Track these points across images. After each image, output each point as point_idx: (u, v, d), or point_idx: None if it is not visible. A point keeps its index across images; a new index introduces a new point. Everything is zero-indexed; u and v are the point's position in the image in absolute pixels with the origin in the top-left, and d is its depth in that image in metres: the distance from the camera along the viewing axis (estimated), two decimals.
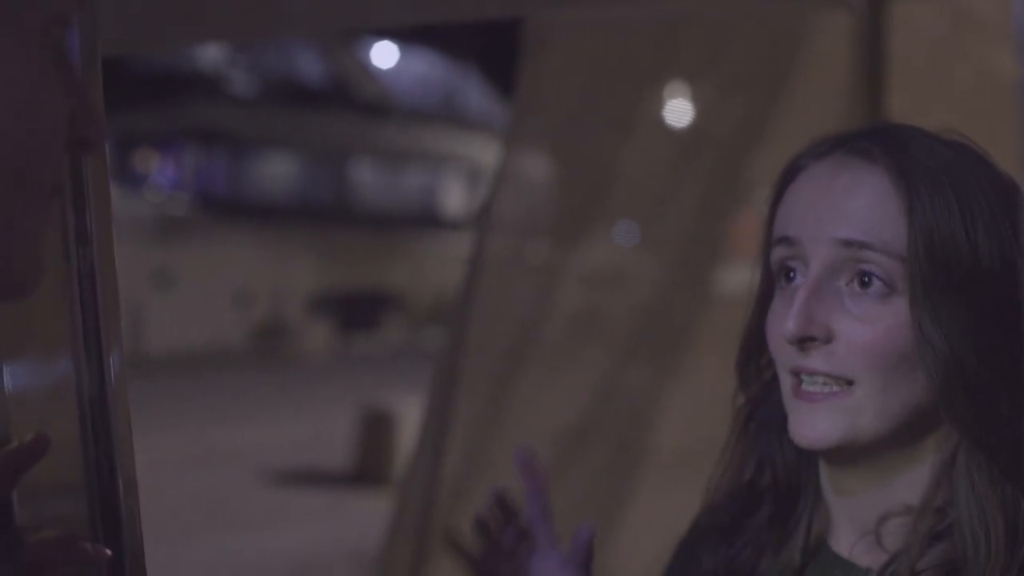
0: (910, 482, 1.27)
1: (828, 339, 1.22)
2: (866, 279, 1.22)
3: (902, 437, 1.25)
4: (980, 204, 1.22)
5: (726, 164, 4.11)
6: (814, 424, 1.24)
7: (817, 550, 1.34)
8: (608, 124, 3.98)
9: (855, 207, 1.23)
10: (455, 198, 30.50)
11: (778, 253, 1.29)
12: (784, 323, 1.23)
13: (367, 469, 10.57)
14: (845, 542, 1.31)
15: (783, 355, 1.27)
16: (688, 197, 4.15)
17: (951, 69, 2.98)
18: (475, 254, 3.71)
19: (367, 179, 28.80)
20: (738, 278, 4.32)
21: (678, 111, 4.15)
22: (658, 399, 4.30)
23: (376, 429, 10.57)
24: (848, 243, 1.22)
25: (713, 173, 4.15)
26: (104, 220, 1.12)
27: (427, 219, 29.27)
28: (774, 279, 1.31)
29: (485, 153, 27.98)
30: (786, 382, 1.27)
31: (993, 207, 1.22)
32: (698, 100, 4.17)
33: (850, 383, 1.22)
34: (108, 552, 1.07)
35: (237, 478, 10.85)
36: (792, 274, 1.27)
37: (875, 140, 1.26)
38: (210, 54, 25.35)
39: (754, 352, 1.37)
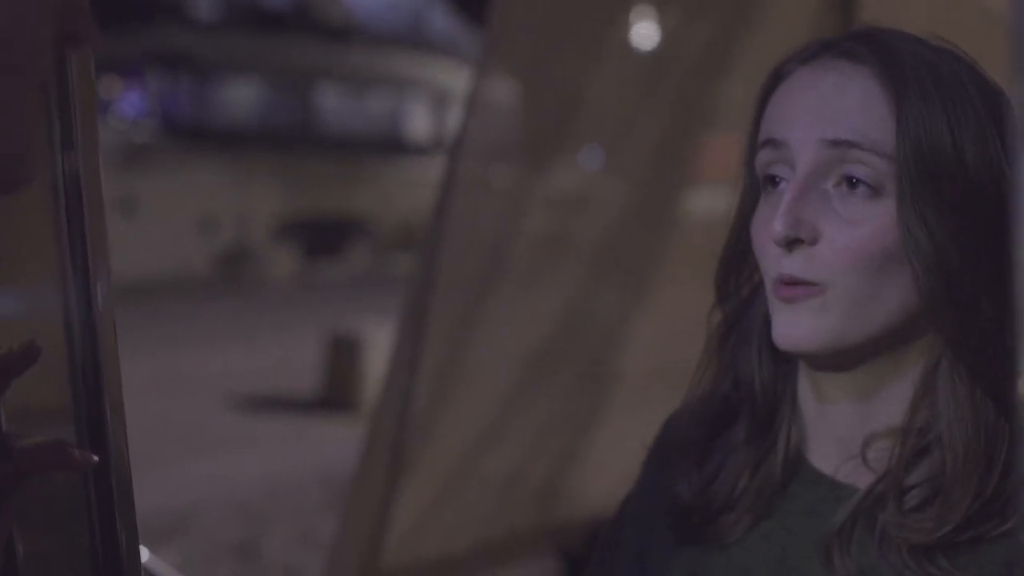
0: (893, 396, 1.28)
1: (814, 240, 1.23)
2: (853, 180, 1.23)
3: (885, 343, 1.26)
4: (967, 109, 1.23)
5: (693, 88, 4.12)
6: (795, 325, 1.25)
7: (797, 466, 1.35)
8: (577, 49, 3.98)
9: (842, 107, 1.24)
10: (421, 123, 30.29)
11: (763, 157, 1.29)
12: (771, 225, 1.24)
13: (334, 395, 10.56)
14: (828, 461, 1.33)
15: (768, 261, 1.27)
16: (655, 121, 4.16)
17: None
18: (446, 180, 3.71)
19: (332, 104, 28.56)
20: (704, 201, 4.34)
21: (646, 36, 4.15)
22: (625, 321, 4.33)
23: (343, 355, 10.55)
24: (836, 143, 1.23)
25: (680, 97, 4.15)
26: (90, 123, 1.08)
27: (393, 144, 29.06)
28: (758, 188, 1.32)
29: (451, 78, 27.80)
30: (771, 288, 1.28)
31: (980, 113, 1.23)
32: (665, 24, 4.16)
33: (824, 286, 1.23)
34: (95, 458, 1.08)
35: (204, 404, 10.83)
36: (778, 179, 1.28)
37: (863, 42, 1.27)
38: None
39: (735, 265, 1.38)
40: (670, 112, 4.16)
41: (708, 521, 1.39)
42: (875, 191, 1.22)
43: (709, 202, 4.25)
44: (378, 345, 9.72)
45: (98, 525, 1.12)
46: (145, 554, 2.01)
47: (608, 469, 4.23)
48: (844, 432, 1.31)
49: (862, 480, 1.29)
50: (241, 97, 26.80)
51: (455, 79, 27.42)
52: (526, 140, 4.06)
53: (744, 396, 1.39)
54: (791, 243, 1.23)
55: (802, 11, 3.85)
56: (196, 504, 7.59)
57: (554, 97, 4.02)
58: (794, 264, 1.24)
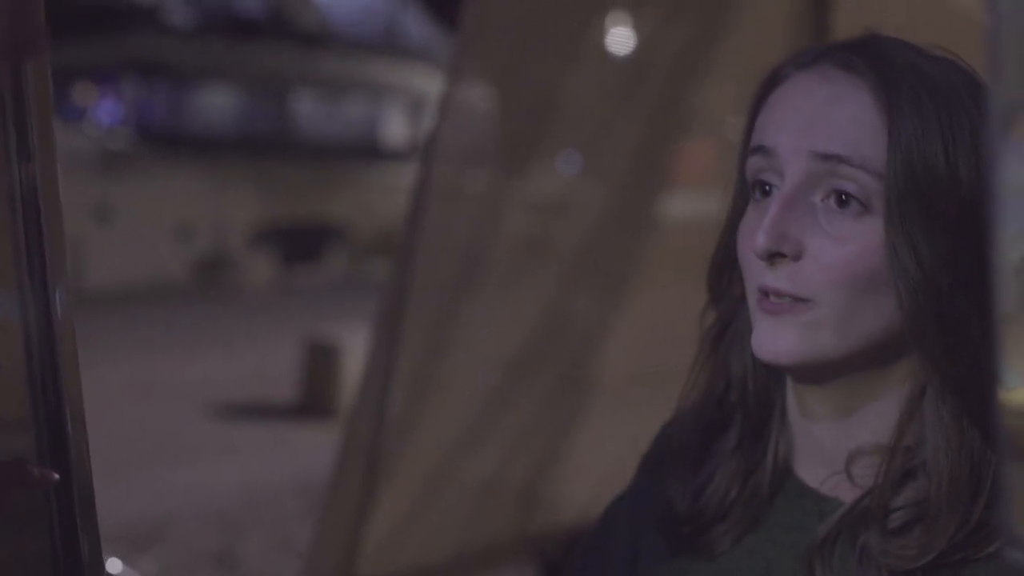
0: (878, 413, 1.26)
1: (797, 256, 1.20)
2: (843, 197, 1.20)
3: (869, 360, 1.24)
4: (963, 126, 1.19)
5: (670, 92, 4.11)
6: (776, 337, 1.22)
7: (784, 479, 1.34)
8: (552, 52, 3.97)
9: (834, 120, 1.21)
10: (396, 129, 30.35)
11: (753, 164, 1.27)
12: (755, 235, 1.21)
13: (312, 401, 10.56)
14: (814, 474, 1.31)
15: (751, 271, 1.25)
16: (631, 125, 4.15)
17: None
18: (420, 184, 3.69)
19: (308, 110, 28.60)
20: (682, 205, 4.34)
21: (621, 39, 4.14)
22: (603, 326, 4.33)
23: (321, 361, 10.55)
24: (826, 156, 1.20)
25: (657, 101, 4.15)
26: (46, 131, 1.07)
27: (368, 150, 29.12)
28: (748, 192, 1.29)
29: (426, 83, 27.84)
30: (752, 297, 1.26)
31: (976, 129, 1.19)
32: (641, 28, 4.16)
33: (810, 301, 1.21)
34: (56, 476, 1.06)
35: (181, 411, 10.82)
36: (767, 187, 1.25)
37: (860, 53, 1.24)
38: None
39: (725, 267, 1.36)
40: (646, 115, 4.15)
41: (700, 530, 1.37)
42: (864, 208, 1.19)
43: (687, 205, 4.25)
44: (356, 351, 9.71)
45: (60, 536, 1.11)
46: (117, 565, 1.99)
47: (587, 474, 4.22)
48: (828, 446, 1.29)
49: (847, 495, 1.27)
50: (217, 104, 26.82)
51: (430, 84, 27.42)
52: (500, 144, 4.05)
53: (737, 400, 1.38)
54: (773, 257, 1.21)
55: (777, 14, 3.85)
56: (173, 512, 7.56)
57: (529, 101, 4.01)
58: (778, 278, 1.22)
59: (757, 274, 1.24)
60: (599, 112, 4.12)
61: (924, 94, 1.20)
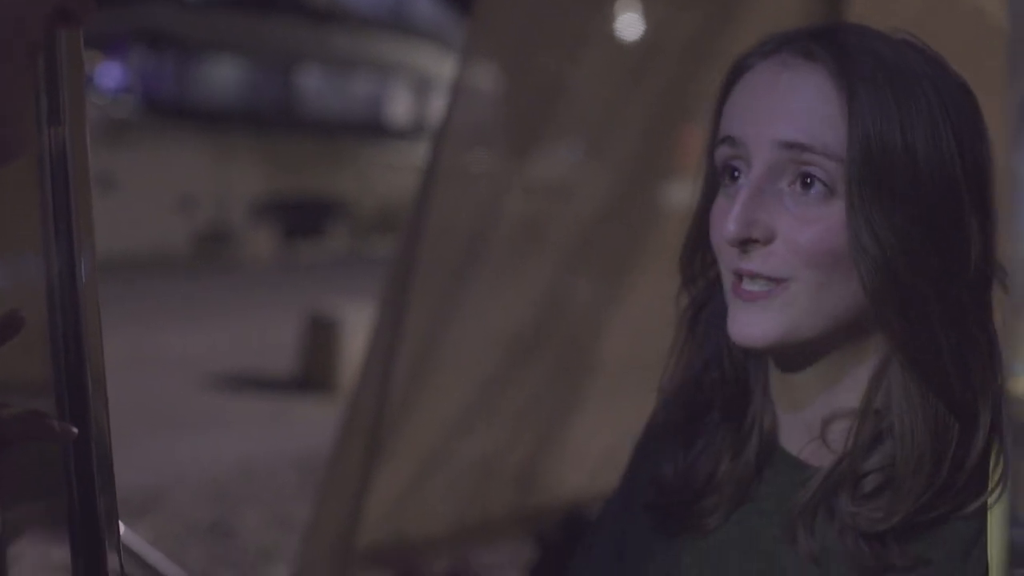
0: (852, 384, 1.30)
1: (768, 240, 1.24)
2: (808, 180, 1.23)
3: (841, 337, 1.28)
4: (921, 108, 1.22)
5: (677, 79, 4.11)
6: (752, 322, 1.26)
7: (771, 450, 1.37)
8: (562, 37, 3.98)
9: (796, 108, 1.24)
10: (402, 107, 30.24)
11: (722, 153, 1.30)
12: (725, 224, 1.24)
13: (311, 375, 10.53)
14: (795, 442, 1.35)
15: (725, 255, 1.28)
16: (638, 111, 4.16)
17: None
18: (429, 165, 3.70)
19: (314, 86, 28.49)
20: (685, 192, 4.34)
21: (630, 25, 4.14)
22: (606, 308, 4.34)
23: (320, 335, 10.51)
24: (790, 145, 1.23)
25: (664, 88, 4.15)
26: (78, 99, 1.08)
27: (374, 128, 29.02)
28: (717, 178, 1.32)
29: (433, 63, 27.76)
30: (727, 280, 1.29)
31: (935, 111, 1.23)
32: (650, 14, 4.16)
33: (786, 279, 1.24)
34: (75, 430, 1.08)
35: (180, 382, 10.80)
36: (736, 173, 1.29)
37: (819, 40, 1.26)
38: None
39: (697, 250, 1.39)
40: (653, 102, 4.16)
41: (689, 505, 1.40)
42: (829, 191, 1.23)
43: (690, 193, 4.25)
44: (356, 326, 9.70)
45: (78, 495, 1.12)
46: (120, 527, 2.01)
47: (584, 456, 4.25)
48: (808, 416, 1.33)
49: (825, 461, 1.30)
50: (223, 76, 26.72)
51: (437, 64, 27.38)
52: (510, 127, 4.06)
53: (717, 378, 1.41)
54: (744, 243, 1.25)
55: (788, 2, 3.85)
56: (169, 483, 7.57)
57: (538, 85, 4.02)
58: (752, 261, 1.25)
59: (731, 259, 1.28)
60: (606, 97, 4.13)
61: (882, 79, 1.23)
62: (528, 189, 4.14)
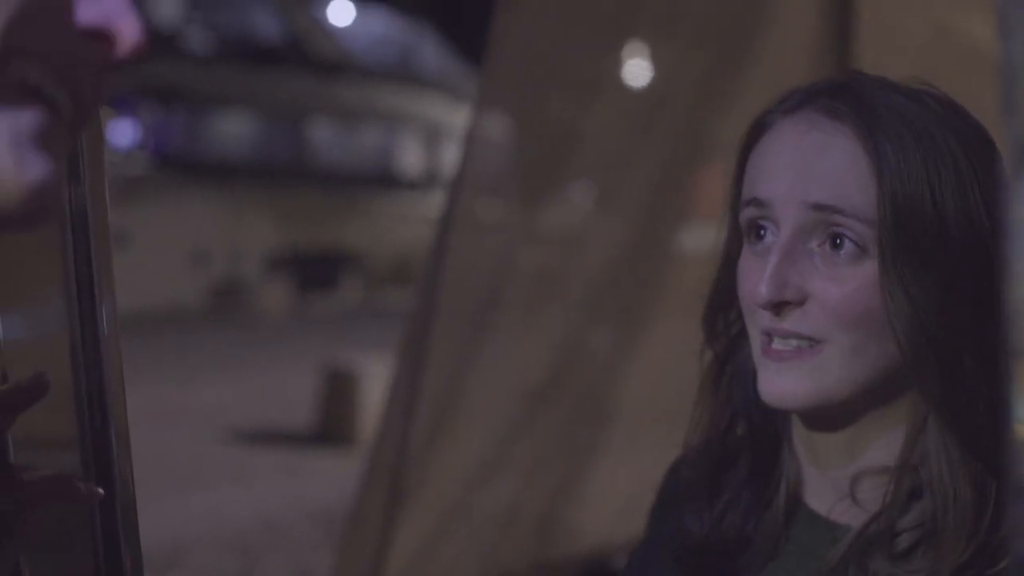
0: (883, 445, 1.28)
1: (801, 301, 1.23)
2: (838, 240, 1.22)
3: (874, 398, 1.26)
4: (947, 165, 1.21)
5: (690, 123, 4.12)
6: (784, 383, 1.25)
7: (796, 509, 1.35)
8: (573, 85, 3.99)
9: (824, 170, 1.23)
10: (412, 158, 30.33)
11: (748, 213, 1.29)
12: (756, 287, 1.23)
13: (329, 429, 10.51)
14: (823, 501, 1.33)
15: (755, 316, 1.27)
16: (651, 157, 4.16)
17: (916, 26, 3.00)
18: (444, 216, 3.71)
19: (324, 138, 28.59)
20: (700, 237, 4.33)
21: (641, 72, 4.15)
22: (623, 358, 4.32)
23: (338, 388, 10.50)
24: (819, 207, 1.22)
25: (677, 132, 4.15)
26: (97, 153, 1.08)
27: (384, 179, 29.11)
28: (742, 235, 1.31)
29: (442, 113, 27.84)
30: (756, 340, 1.28)
31: (961, 167, 1.22)
32: (660, 60, 4.17)
33: (820, 342, 1.23)
34: (101, 492, 1.08)
35: (198, 437, 10.79)
36: (763, 232, 1.27)
37: (842, 97, 1.25)
38: (166, 11, 25.11)
39: (721, 307, 1.38)
40: (666, 148, 4.16)
41: (724, 560, 1.38)
42: (861, 251, 1.22)
43: (705, 239, 4.25)
44: (373, 378, 9.68)
45: (104, 552, 1.12)
46: None
47: (604, 506, 4.23)
48: (835, 474, 1.32)
49: (856, 520, 1.29)
50: (234, 130, 26.83)
51: (447, 114, 27.46)
52: (524, 176, 4.06)
53: (743, 434, 1.40)
54: (777, 306, 1.24)
55: (799, 43, 3.86)
56: (190, 538, 7.56)
57: (551, 134, 4.02)
58: (788, 323, 1.24)
59: (760, 319, 1.27)
60: (619, 144, 4.13)
61: (907, 136, 1.22)
62: (543, 238, 4.14)
